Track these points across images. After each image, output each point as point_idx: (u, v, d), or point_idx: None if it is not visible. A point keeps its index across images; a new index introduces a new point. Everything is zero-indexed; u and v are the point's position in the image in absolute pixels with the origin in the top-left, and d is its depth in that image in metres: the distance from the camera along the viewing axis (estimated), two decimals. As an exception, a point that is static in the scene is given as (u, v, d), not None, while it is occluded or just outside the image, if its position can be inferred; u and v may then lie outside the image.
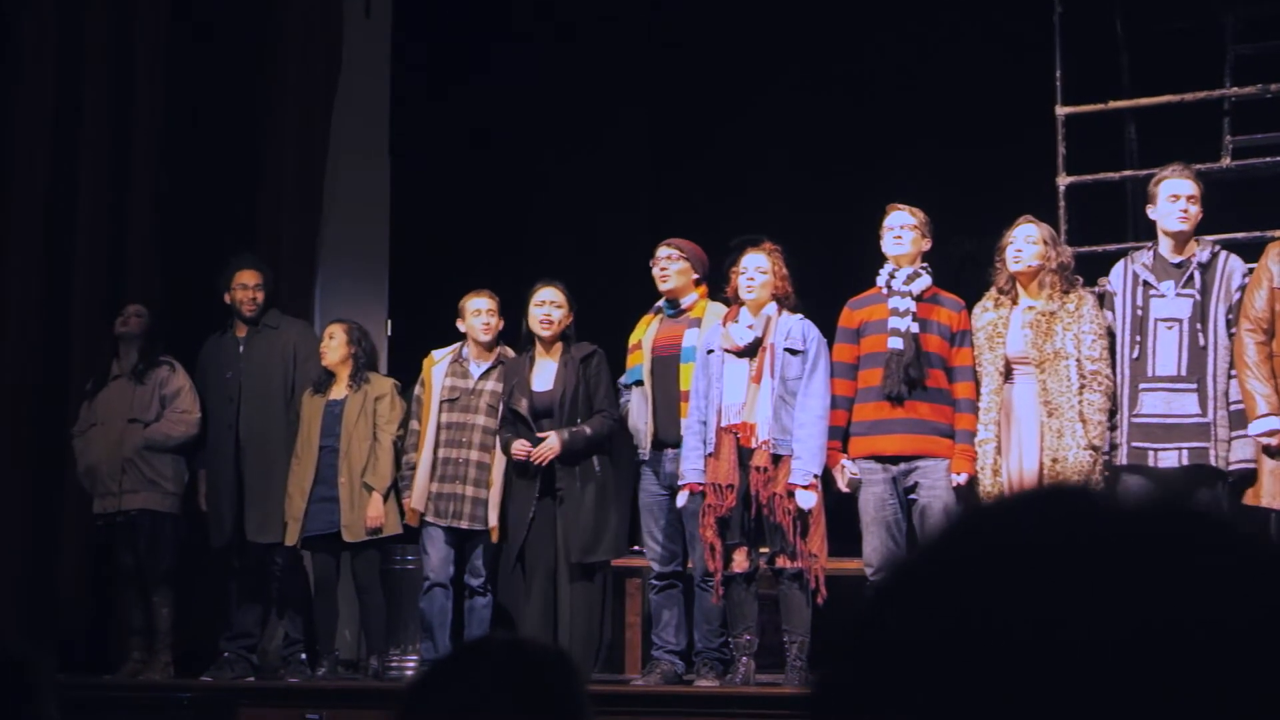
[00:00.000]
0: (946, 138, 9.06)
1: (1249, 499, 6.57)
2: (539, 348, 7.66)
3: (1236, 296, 6.63)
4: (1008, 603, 0.80)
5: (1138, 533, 0.82)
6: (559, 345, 7.64)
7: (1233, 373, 6.60)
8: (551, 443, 7.41)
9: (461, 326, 7.95)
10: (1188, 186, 6.78)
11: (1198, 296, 6.68)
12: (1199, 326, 6.63)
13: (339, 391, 8.16)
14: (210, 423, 8.39)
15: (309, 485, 8.03)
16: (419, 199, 10.03)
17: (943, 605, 0.82)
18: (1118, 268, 6.91)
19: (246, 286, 8.46)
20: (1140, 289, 6.76)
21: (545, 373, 7.62)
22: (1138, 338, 6.71)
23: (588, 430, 7.45)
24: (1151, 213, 6.82)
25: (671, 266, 7.49)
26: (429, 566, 7.80)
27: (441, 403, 7.85)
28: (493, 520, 7.70)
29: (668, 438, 7.32)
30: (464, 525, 7.74)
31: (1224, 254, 6.81)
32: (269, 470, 8.20)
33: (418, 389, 7.99)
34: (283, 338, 8.43)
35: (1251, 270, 6.70)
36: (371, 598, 8.03)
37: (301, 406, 8.21)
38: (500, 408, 7.72)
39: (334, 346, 8.17)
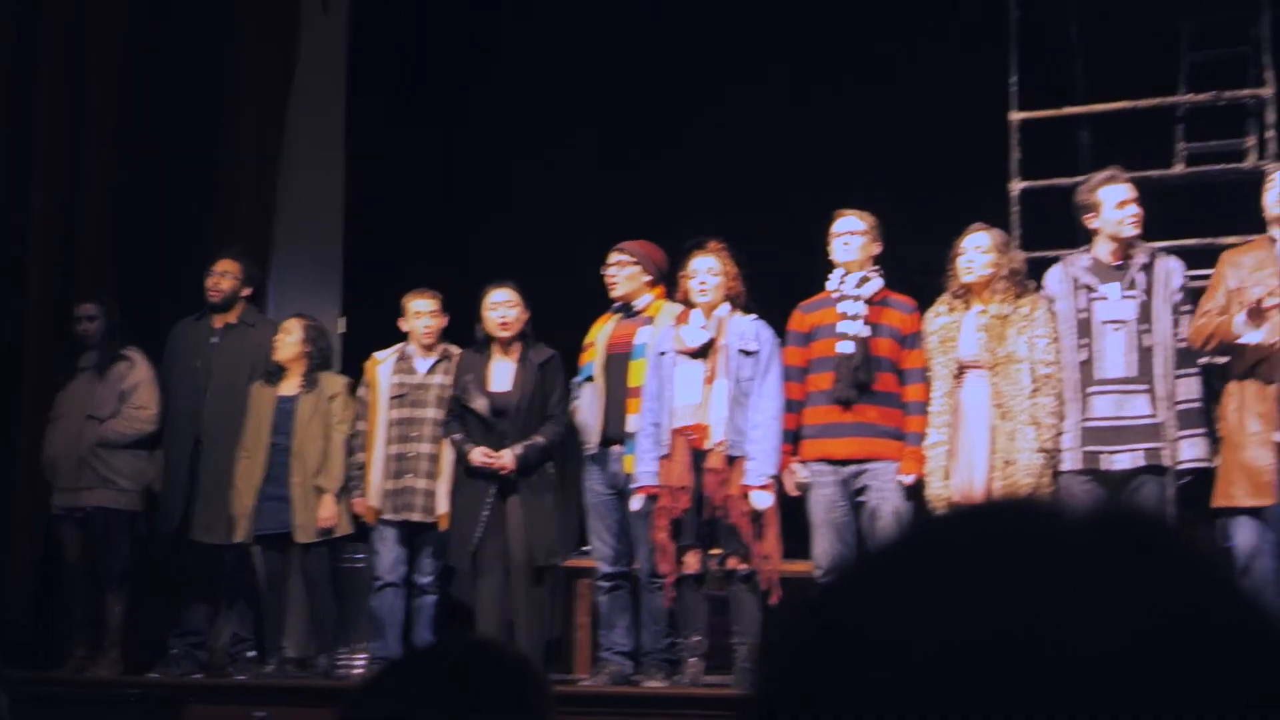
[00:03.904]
0: (901, 142, 9.08)
1: (1218, 500, 6.61)
2: (496, 347, 7.66)
3: (1178, 297, 6.68)
4: (943, 615, 0.80)
5: (1080, 546, 0.82)
6: (517, 345, 7.66)
7: (1178, 372, 6.64)
8: (506, 461, 7.44)
9: (404, 326, 7.96)
10: (1131, 190, 6.83)
11: (1143, 297, 6.72)
12: (1144, 327, 6.67)
13: (291, 388, 8.14)
14: (172, 410, 8.35)
15: (259, 482, 8.01)
16: (374, 197, 10.00)
17: (878, 617, 0.82)
18: (1054, 272, 6.93)
19: (214, 273, 8.43)
20: (1082, 292, 6.79)
21: (503, 373, 7.63)
22: (1084, 341, 6.74)
23: (541, 441, 7.50)
24: (1094, 221, 6.83)
25: (620, 273, 7.51)
26: (380, 566, 7.80)
27: (391, 399, 7.86)
28: (441, 509, 7.71)
29: (616, 434, 7.33)
30: (417, 518, 7.75)
31: (1162, 255, 6.86)
32: (224, 470, 8.15)
33: (362, 390, 8.00)
34: (257, 336, 8.37)
35: (1192, 275, 6.76)
36: (321, 595, 8.01)
37: (250, 398, 8.17)
38: (448, 400, 7.75)
39: (289, 343, 8.15)
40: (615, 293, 7.53)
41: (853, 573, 0.87)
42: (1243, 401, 6.55)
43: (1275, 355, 6.48)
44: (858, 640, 0.82)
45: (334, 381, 8.19)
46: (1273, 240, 6.62)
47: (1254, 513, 6.52)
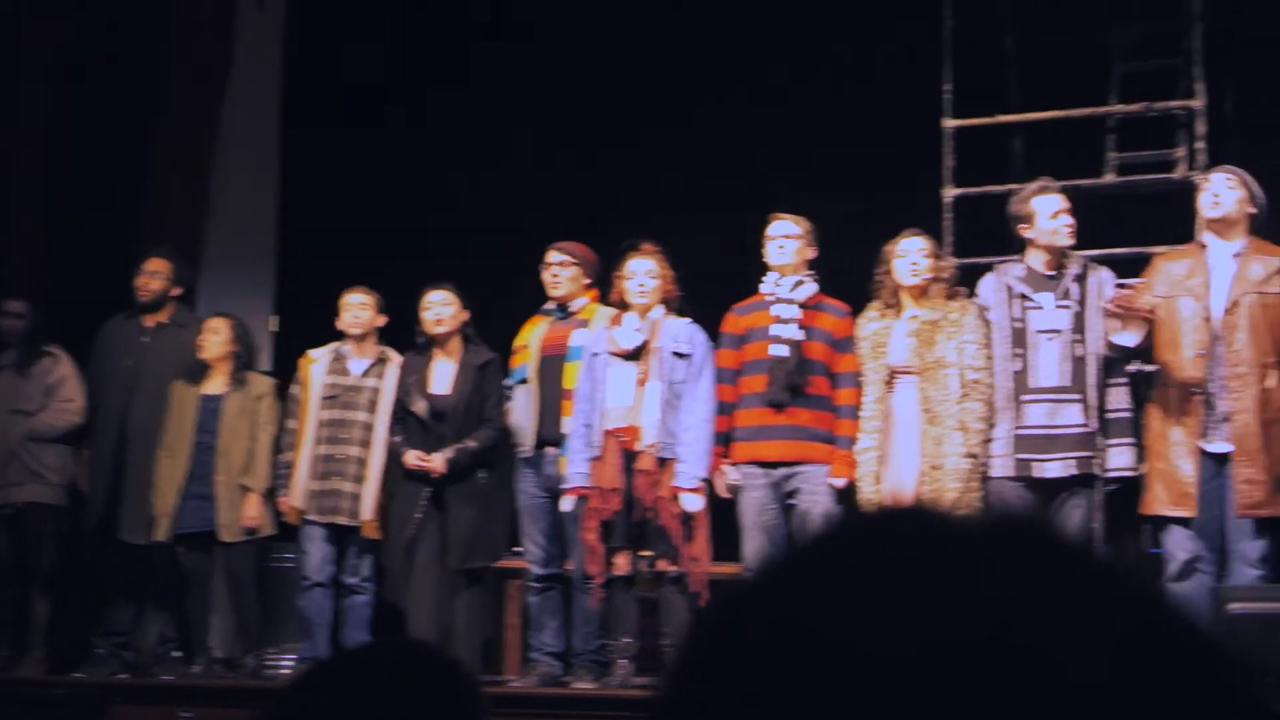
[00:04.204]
0: (835, 147, 9.12)
1: (1143, 507, 6.66)
2: (438, 350, 7.68)
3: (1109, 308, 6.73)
4: (837, 621, 0.80)
5: (974, 552, 0.83)
6: (458, 346, 7.66)
7: (1108, 381, 6.70)
8: (437, 465, 7.46)
9: (340, 324, 7.94)
10: (1064, 201, 6.91)
11: (1076, 308, 6.78)
12: (1077, 337, 6.72)
13: (216, 387, 8.08)
14: (100, 408, 8.28)
15: (182, 481, 7.95)
16: (309, 197, 9.95)
17: (772, 622, 0.82)
18: (988, 281, 6.99)
19: (144, 272, 8.37)
20: (1017, 301, 6.84)
21: (443, 375, 7.65)
22: (1019, 350, 6.79)
23: (473, 446, 7.50)
24: (1028, 231, 6.89)
25: (563, 273, 7.50)
26: (309, 566, 7.77)
27: (322, 399, 7.83)
28: (365, 514, 7.69)
29: (551, 436, 7.32)
30: (343, 521, 7.72)
31: (1095, 266, 6.93)
32: (150, 470, 8.09)
33: (294, 388, 7.97)
34: (188, 337, 8.27)
35: (1120, 285, 6.81)
36: (245, 595, 7.96)
37: (172, 397, 8.11)
38: (380, 403, 7.73)
39: (216, 342, 8.10)
40: (556, 293, 7.52)
41: (765, 574, 0.87)
42: (1167, 410, 6.61)
43: (1200, 364, 6.53)
44: (772, 639, 0.81)
45: (261, 382, 8.15)
46: (1202, 246, 6.69)
47: (1183, 522, 6.58)
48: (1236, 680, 0.82)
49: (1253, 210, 6.65)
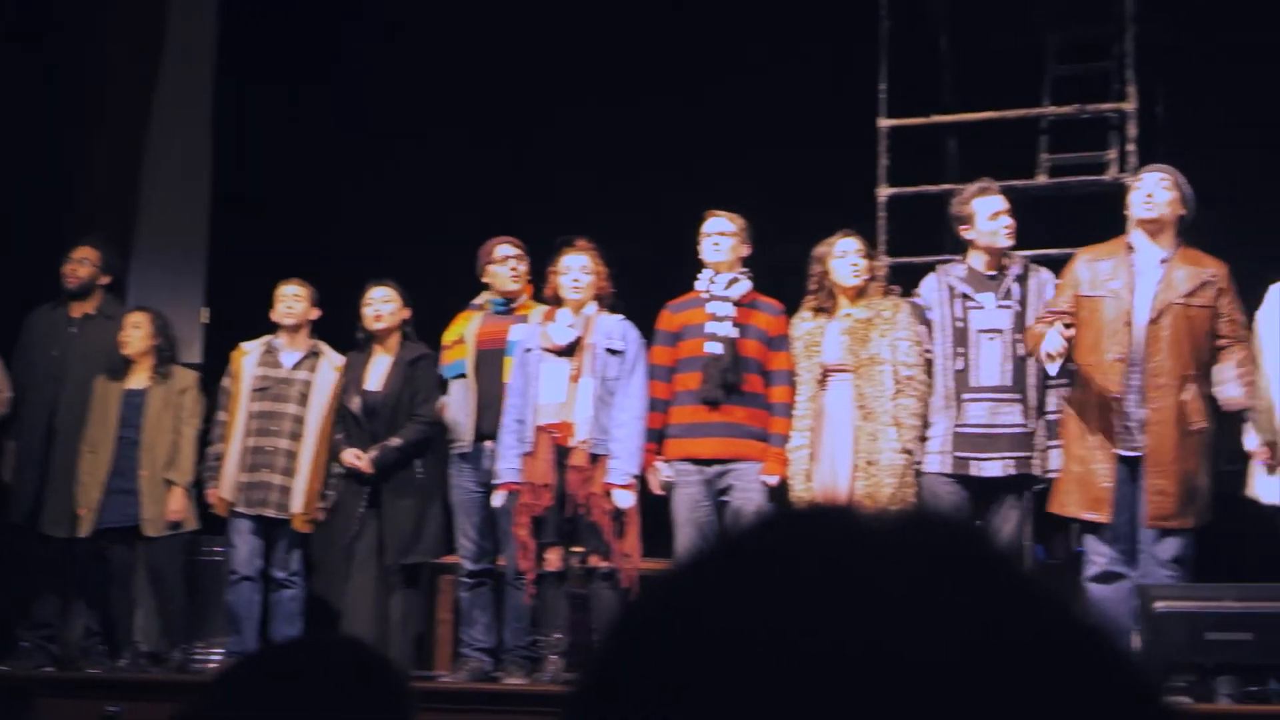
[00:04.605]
0: (770, 146, 9.14)
1: (1051, 506, 6.71)
2: (376, 347, 7.68)
3: None
4: (745, 620, 0.80)
5: (876, 554, 0.83)
6: (396, 343, 7.64)
7: (1049, 383, 6.75)
8: (363, 465, 7.47)
9: (274, 315, 7.90)
10: (1004, 202, 6.95)
11: (1017, 308, 6.82)
12: (1018, 337, 6.76)
13: (139, 381, 8.01)
14: (26, 398, 8.19)
15: (105, 476, 7.88)
16: (241, 188, 9.88)
17: (674, 620, 0.82)
18: (930, 281, 7.03)
19: (71, 260, 8.28)
20: (959, 301, 6.88)
21: (378, 371, 7.67)
22: (960, 349, 6.82)
23: (397, 442, 7.50)
24: (968, 233, 6.93)
25: (520, 267, 7.50)
26: (236, 560, 7.72)
27: (252, 391, 7.79)
28: (295, 507, 7.65)
29: (490, 431, 7.31)
30: (271, 514, 7.69)
31: (1036, 267, 6.98)
32: (76, 462, 8.01)
33: (225, 380, 7.92)
34: (116, 329, 8.18)
35: (1056, 285, 6.85)
36: (169, 589, 7.90)
37: (94, 393, 8.03)
38: (312, 397, 7.73)
39: (137, 336, 8.02)
40: (514, 286, 7.51)
41: (675, 573, 0.87)
42: (1085, 414, 6.64)
43: (1119, 369, 6.57)
44: (673, 637, 0.81)
45: (185, 375, 8.10)
46: (1130, 247, 6.71)
47: (1095, 526, 6.63)
48: (1136, 687, 0.82)
49: (1183, 212, 6.69)
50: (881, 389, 6.81)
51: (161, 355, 8.03)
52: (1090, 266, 6.72)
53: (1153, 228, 6.65)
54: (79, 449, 7.97)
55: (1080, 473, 6.59)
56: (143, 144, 9.42)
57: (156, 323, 8.08)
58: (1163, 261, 6.62)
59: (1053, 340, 6.43)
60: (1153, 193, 6.64)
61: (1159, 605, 6.14)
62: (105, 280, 8.39)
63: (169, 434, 7.91)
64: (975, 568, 0.83)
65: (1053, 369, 6.56)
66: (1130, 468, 6.57)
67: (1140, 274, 6.62)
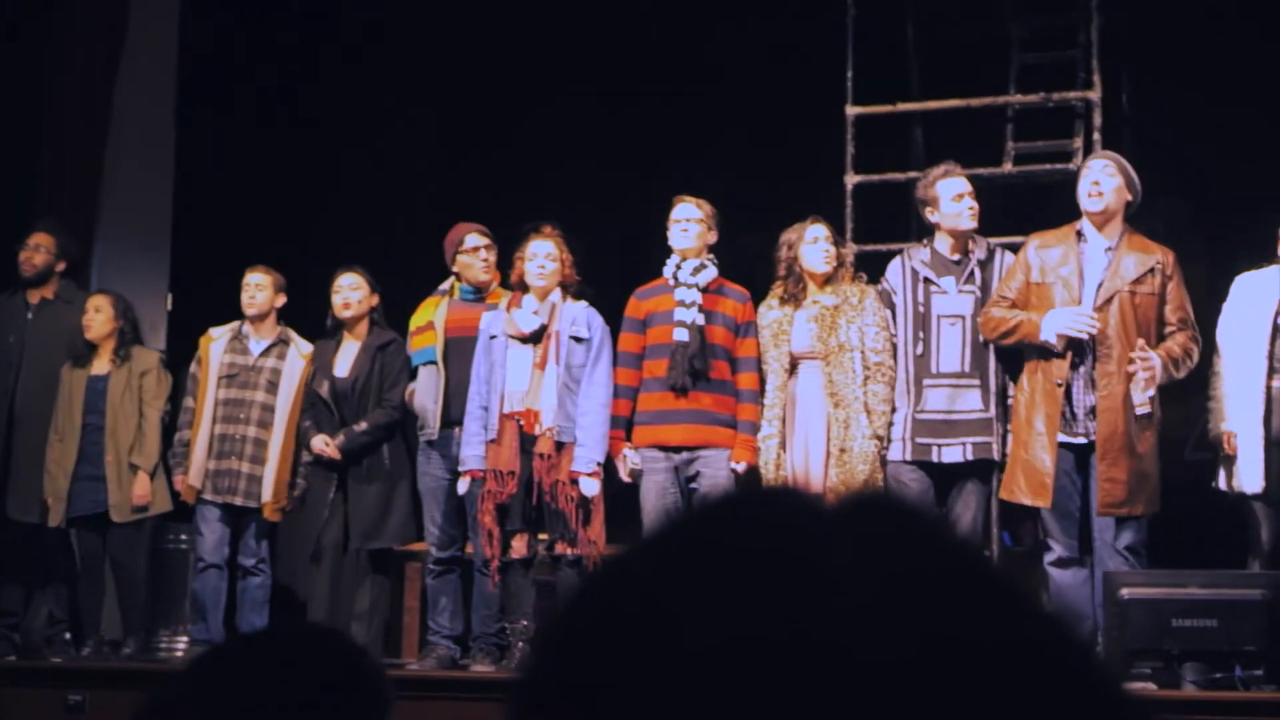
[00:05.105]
0: (738, 133, 9.14)
1: (1003, 493, 6.73)
2: (346, 331, 7.67)
3: None
4: (691, 605, 0.79)
5: (821, 541, 0.82)
6: (364, 329, 7.63)
7: (1009, 368, 6.77)
8: (330, 451, 7.46)
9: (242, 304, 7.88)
10: (967, 184, 6.97)
11: (979, 293, 6.85)
12: (980, 323, 6.79)
13: (102, 366, 7.97)
14: None
15: (72, 464, 7.83)
16: (206, 174, 9.82)
17: (625, 605, 0.82)
18: (895, 265, 7.06)
19: (27, 246, 8.21)
20: (921, 286, 6.90)
21: (347, 357, 7.65)
22: (921, 334, 6.84)
23: (364, 426, 7.48)
24: (933, 216, 6.96)
25: (490, 257, 7.49)
26: (203, 548, 7.69)
27: (220, 379, 7.76)
28: (265, 496, 7.63)
29: (458, 417, 7.29)
30: (238, 501, 7.66)
31: (999, 251, 7.00)
32: (39, 447, 7.95)
33: (194, 367, 7.88)
34: (74, 314, 8.13)
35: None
36: (131, 577, 7.86)
37: (60, 380, 7.97)
38: (281, 384, 7.72)
39: (100, 320, 7.97)
40: (485, 276, 7.48)
41: (621, 559, 0.86)
42: (1031, 399, 6.66)
43: (1066, 356, 6.59)
44: (629, 627, 0.81)
45: (147, 357, 8.04)
46: (1080, 235, 6.74)
47: (1034, 511, 6.68)
48: (1092, 675, 0.81)
49: (1129, 198, 6.72)
50: (851, 376, 6.82)
51: (124, 338, 7.98)
52: (1040, 254, 6.76)
53: (1099, 219, 6.68)
54: (46, 437, 7.92)
55: (1026, 459, 6.62)
56: (106, 130, 9.34)
57: (118, 305, 8.02)
58: (1108, 249, 6.65)
59: (1079, 320, 6.45)
60: (1099, 180, 6.68)
61: (1125, 592, 6.17)
62: (61, 266, 8.32)
63: (132, 417, 7.86)
64: (924, 552, 0.83)
65: (1139, 397, 6.54)
66: (1079, 455, 6.59)
67: (1088, 261, 6.66)
